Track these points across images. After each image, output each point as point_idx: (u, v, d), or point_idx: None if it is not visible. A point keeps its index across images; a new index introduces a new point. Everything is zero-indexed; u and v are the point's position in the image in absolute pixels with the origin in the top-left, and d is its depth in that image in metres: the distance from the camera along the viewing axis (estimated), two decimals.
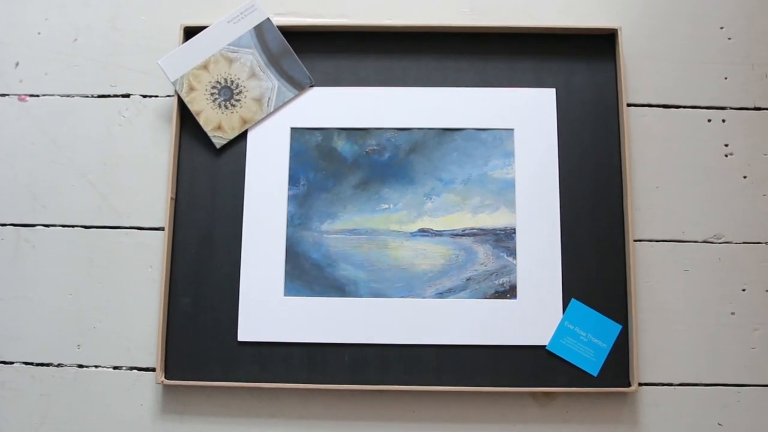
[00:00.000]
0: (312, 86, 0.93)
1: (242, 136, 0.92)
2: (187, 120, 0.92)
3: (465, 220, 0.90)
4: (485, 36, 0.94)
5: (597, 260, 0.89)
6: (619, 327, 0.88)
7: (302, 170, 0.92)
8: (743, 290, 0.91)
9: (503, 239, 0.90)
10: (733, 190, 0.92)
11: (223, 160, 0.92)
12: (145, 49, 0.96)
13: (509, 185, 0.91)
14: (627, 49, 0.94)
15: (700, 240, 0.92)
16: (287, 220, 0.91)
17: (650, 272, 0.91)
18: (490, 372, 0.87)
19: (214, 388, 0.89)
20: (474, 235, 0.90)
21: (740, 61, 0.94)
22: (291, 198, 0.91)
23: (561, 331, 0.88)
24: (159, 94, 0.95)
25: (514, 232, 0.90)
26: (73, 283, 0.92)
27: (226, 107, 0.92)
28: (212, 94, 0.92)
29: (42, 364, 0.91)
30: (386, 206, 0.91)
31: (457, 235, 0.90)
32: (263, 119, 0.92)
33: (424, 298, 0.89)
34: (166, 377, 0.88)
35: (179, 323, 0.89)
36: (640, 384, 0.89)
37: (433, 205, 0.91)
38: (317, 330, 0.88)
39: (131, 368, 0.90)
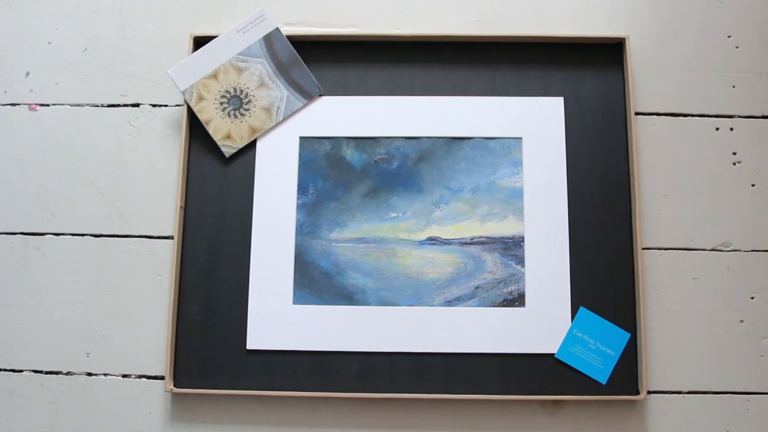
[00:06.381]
0: (321, 95, 0.93)
1: (251, 145, 0.93)
2: (196, 129, 0.93)
3: (473, 229, 0.91)
4: (493, 45, 0.94)
5: (605, 268, 0.89)
6: (627, 335, 0.88)
7: (311, 179, 0.92)
8: (752, 298, 0.91)
9: (511, 247, 0.90)
10: (742, 198, 0.92)
11: (232, 169, 0.92)
12: (154, 59, 0.96)
13: (517, 194, 0.91)
14: (635, 57, 0.94)
15: (708, 248, 0.92)
16: (296, 228, 0.91)
17: (659, 280, 0.91)
18: (499, 380, 0.87)
19: (222, 397, 0.89)
20: (482, 243, 0.90)
21: (748, 70, 0.95)
22: (300, 207, 0.91)
23: (569, 339, 0.88)
24: (168, 104, 0.96)
25: (523, 241, 0.90)
26: (82, 291, 0.92)
27: (236, 116, 0.92)
28: (221, 104, 0.92)
29: (51, 372, 0.91)
30: (395, 215, 0.91)
31: (465, 243, 0.90)
32: (272, 128, 0.93)
33: (432, 306, 0.89)
34: (174, 385, 0.88)
35: (188, 331, 0.89)
36: (649, 392, 0.89)
37: (441, 214, 0.91)
38: (325, 338, 0.88)
39: (140, 376, 0.91)
